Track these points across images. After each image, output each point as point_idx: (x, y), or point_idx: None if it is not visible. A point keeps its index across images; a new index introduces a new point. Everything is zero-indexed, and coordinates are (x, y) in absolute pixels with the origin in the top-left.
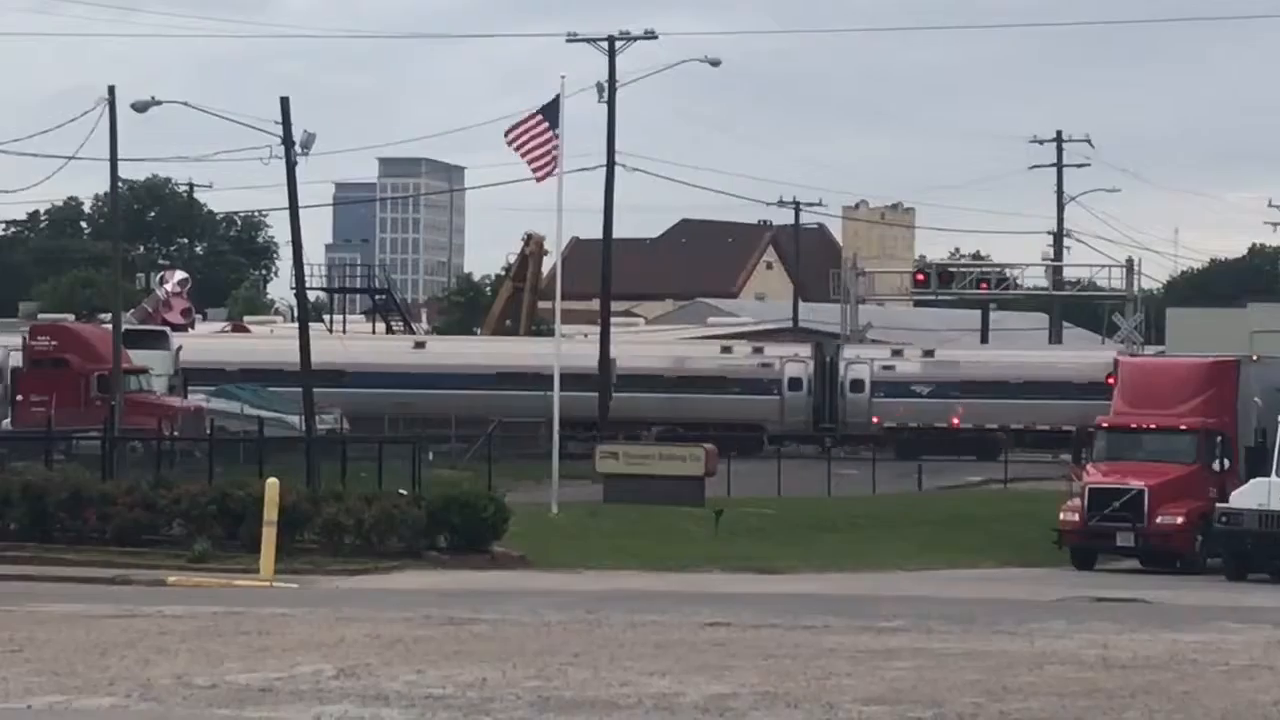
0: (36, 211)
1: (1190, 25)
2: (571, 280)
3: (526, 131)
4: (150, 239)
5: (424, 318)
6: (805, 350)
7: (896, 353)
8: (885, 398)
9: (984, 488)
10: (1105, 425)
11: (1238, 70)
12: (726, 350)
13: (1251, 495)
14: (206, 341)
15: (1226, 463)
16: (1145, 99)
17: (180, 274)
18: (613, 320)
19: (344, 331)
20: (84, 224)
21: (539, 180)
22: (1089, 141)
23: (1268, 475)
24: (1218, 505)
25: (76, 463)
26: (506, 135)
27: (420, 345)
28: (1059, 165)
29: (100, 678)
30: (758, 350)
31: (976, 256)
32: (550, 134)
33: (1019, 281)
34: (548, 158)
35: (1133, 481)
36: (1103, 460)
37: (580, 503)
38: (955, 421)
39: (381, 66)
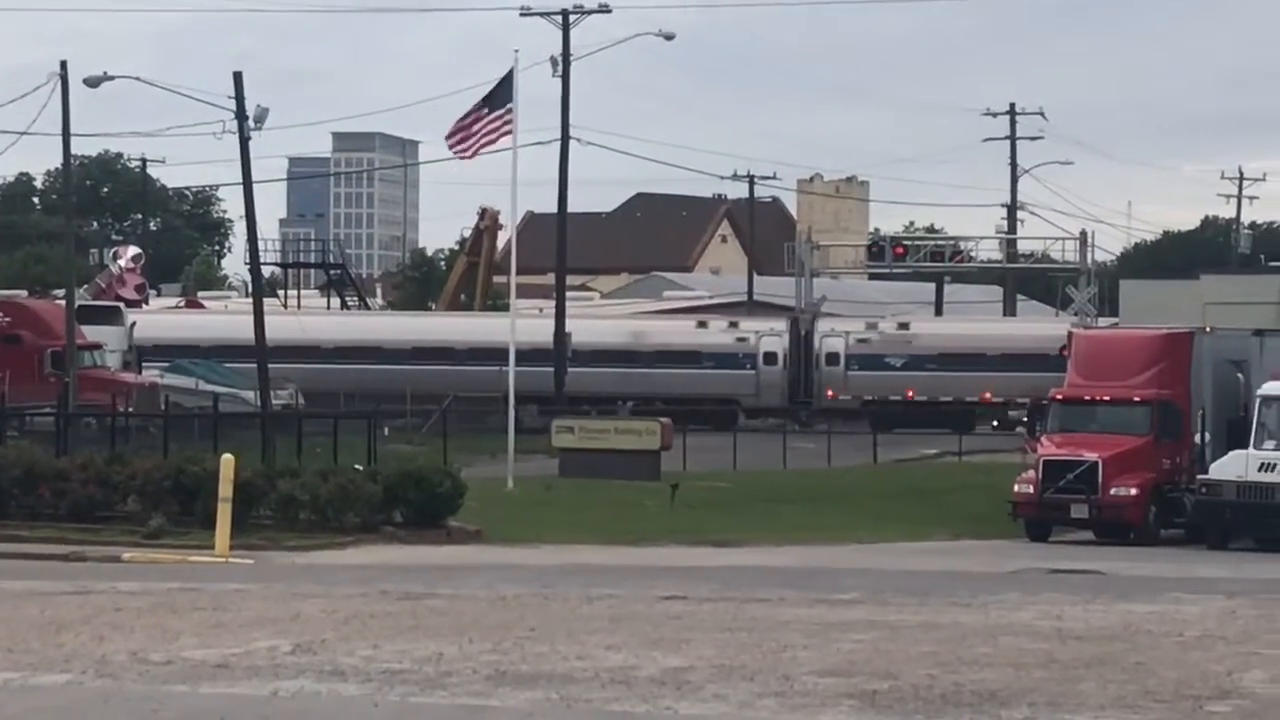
0: None
1: None
2: (527, 254)
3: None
4: (103, 214)
5: (379, 293)
6: (780, 325)
7: (871, 325)
8: (860, 370)
9: (939, 460)
10: (1059, 397)
11: (1192, 42)
12: (702, 325)
13: (1231, 467)
14: (160, 318)
15: (1185, 434)
16: (1099, 71)
17: (134, 249)
18: (568, 294)
19: (299, 307)
20: (36, 200)
21: (466, 159)
22: (1043, 114)
23: (1246, 448)
24: (1198, 477)
25: (30, 439)
26: (449, 141)
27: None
28: (1012, 138)
29: (55, 654)
30: (733, 325)
31: (931, 229)
32: (489, 116)
33: (973, 254)
34: (485, 136)
35: (1086, 454)
36: (1057, 432)
37: (536, 477)
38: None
39: (335, 41)
